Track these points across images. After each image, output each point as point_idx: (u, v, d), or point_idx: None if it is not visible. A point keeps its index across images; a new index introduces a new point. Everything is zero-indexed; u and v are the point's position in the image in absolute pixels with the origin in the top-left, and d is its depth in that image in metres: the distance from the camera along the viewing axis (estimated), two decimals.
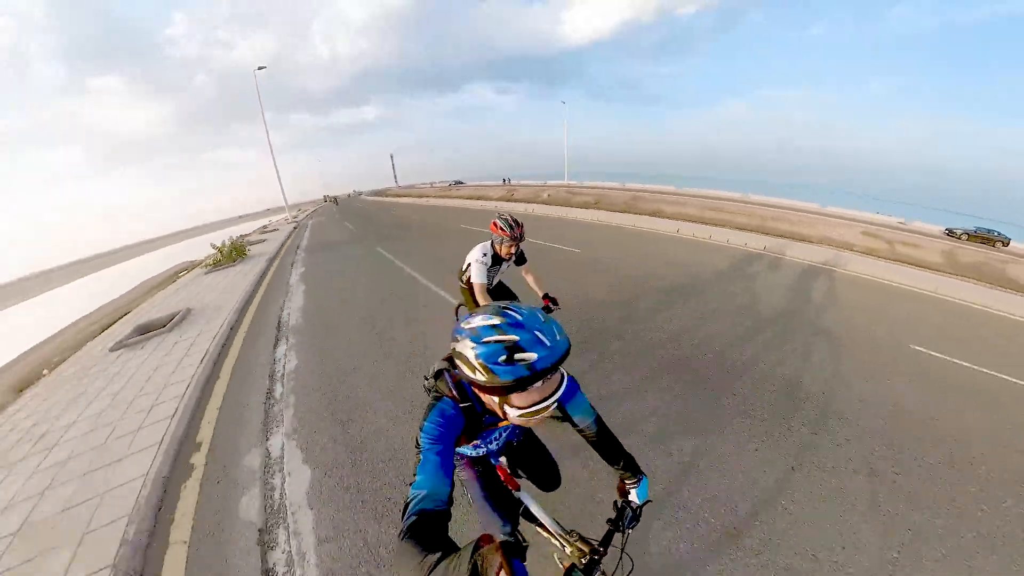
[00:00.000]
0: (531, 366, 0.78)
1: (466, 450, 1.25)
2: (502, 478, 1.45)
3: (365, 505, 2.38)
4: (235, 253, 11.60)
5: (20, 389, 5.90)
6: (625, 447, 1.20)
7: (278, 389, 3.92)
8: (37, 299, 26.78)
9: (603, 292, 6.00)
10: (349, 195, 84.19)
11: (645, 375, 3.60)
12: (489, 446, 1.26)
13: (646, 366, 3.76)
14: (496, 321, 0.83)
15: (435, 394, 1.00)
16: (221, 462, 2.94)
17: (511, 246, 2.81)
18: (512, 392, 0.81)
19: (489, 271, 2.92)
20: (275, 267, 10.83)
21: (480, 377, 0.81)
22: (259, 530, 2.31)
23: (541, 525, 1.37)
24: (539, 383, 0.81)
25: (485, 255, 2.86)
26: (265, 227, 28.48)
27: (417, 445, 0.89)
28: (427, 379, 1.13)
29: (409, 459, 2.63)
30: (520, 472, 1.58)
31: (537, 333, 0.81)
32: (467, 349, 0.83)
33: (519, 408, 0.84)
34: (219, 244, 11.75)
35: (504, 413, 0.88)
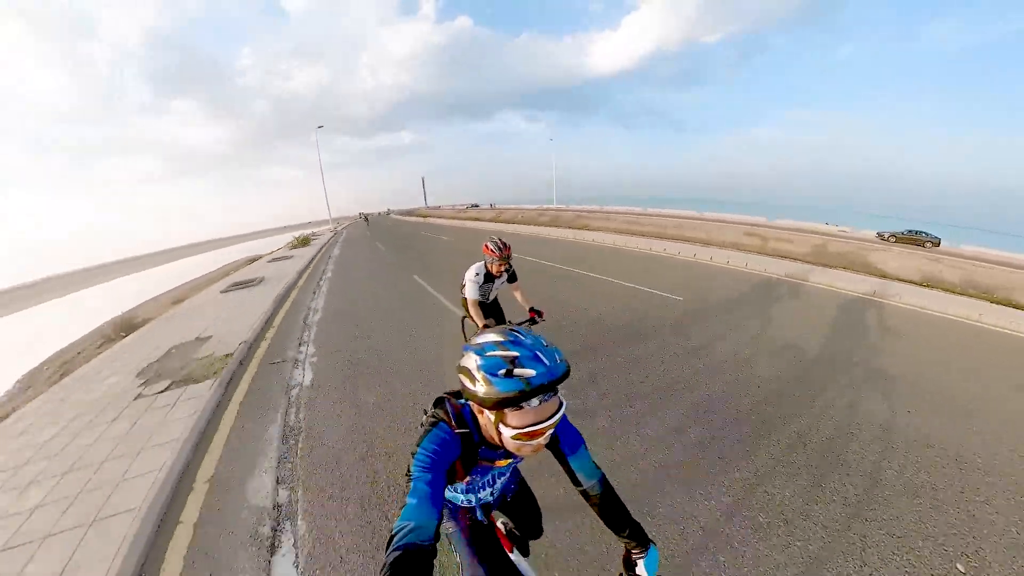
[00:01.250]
0: (528, 381, 0.81)
1: (458, 496, 1.23)
2: (498, 535, 1.41)
3: (346, 262, 11.92)
4: (305, 241, 21.37)
5: (228, 272, 15.22)
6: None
7: (328, 266, 13.74)
8: (167, 265, 38.21)
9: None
10: (380, 214, 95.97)
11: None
12: (482, 492, 1.24)
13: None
14: (500, 339, 0.89)
15: (432, 419, 1.02)
16: (318, 265, 13.07)
17: (500, 265, 3.26)
18: (507, 406, 0.83)
19: (482, 288, 3.38)
20: (327, 247, 20.90)
21: (480, 388, 0.84)
22: (318, 281, 11.93)
23: None
24: (535, 401, 0.83)
25: (478, 274, 3.32)
26: (315, 232, 39.20)
27: (408, 472, 0.89)
28: (425, 413, 1.14)
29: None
30: (513, 530, 1.50)
31: (538, 353, 0.86)
32: (471, 361, 0.87)
33: (514, 428, 0.86)
34: (298, 235, 21.57)
35: (499, 435, 0.90)
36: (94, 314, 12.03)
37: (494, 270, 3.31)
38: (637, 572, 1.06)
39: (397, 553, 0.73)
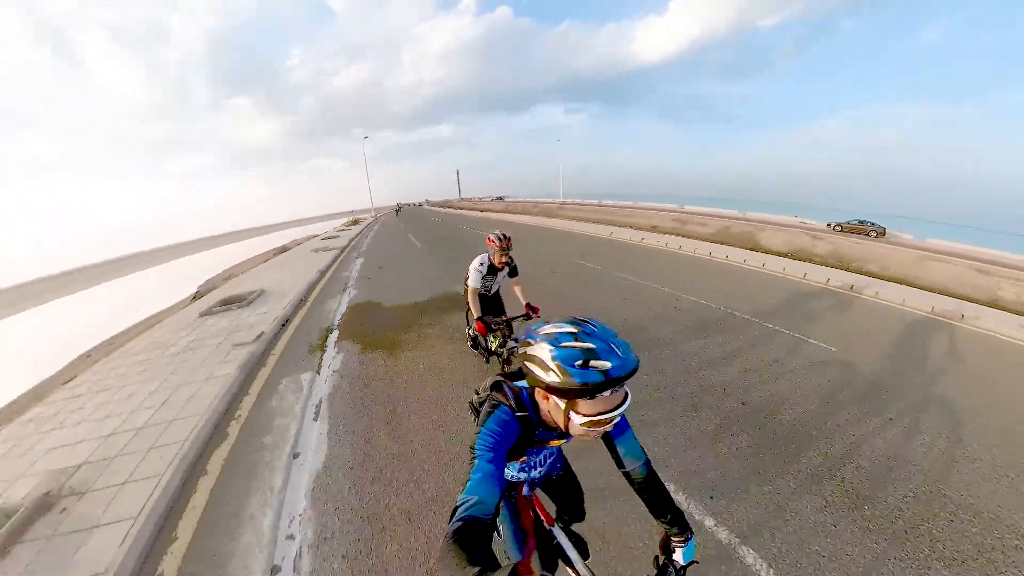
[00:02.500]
0: (606, 372, 0.82)
1: (510, 472, 1.27)
2: (537, 509, 1.49)
3: (379, 232, 23.33)
4: (356, 221, 31.06)
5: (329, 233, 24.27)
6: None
7: (369, 235, 24.89)
8: (249, 240, 49.18)
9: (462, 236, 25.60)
10: (414, 204, 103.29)
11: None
12: (533, 471, 1.31)
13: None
14: (574, 330, 0.90)
15: (492, 402, 1.07)
16: (365, 232, 24.71)
17: (502, 256, 3.40)
18: (582, 396, 0.86)
19: (485, 279, 3.48)
20: (370, 225, 31.77)
21: (554, 378, 0.85)
22: (366, 236, 23.23)
23: (572, 567, 1.35)
24: (607, 392, 0.85)
25: (482, 264, 3.44)
26: (357, 219, 48.97)
27: (472, 449, 0.94)
28: (477, 393, 1.25)
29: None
30: (551, 502, 1.59)
31: (612, 345, 0.87)
32: (544, 351, 0.88)
33: (585, 416, 0.88)
34: (351, 219, 31.16)
35: (567, 421, 0.92)
36: (221, 261, 21.27)
37: (496, 262, 3.44)
38: (674, 558, 1.10)
39: (460, 523, 0.76)
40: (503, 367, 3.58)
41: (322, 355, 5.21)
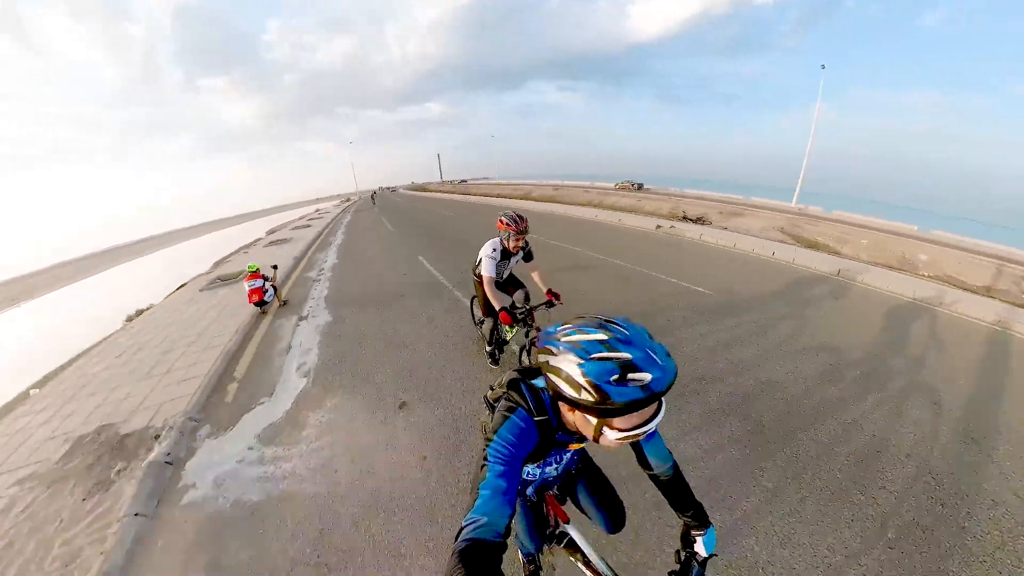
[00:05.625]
0: (647, 387, 0.72)
1: (526, 471, 1.23)
2: (549, 508, 1.45)
3: (360, 207, 45.32)
4: (348, 199, 54.14)
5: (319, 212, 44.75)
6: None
7: (354, 207, 47.11)
8: (260, 220, 67.88)
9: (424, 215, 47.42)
10: (391, 190, 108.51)
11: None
12: (548, 469, 1.25)
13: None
14: (604, 336, 0.78)
15: (509, 404, 0.99)
16: (350, 207, 46.54)
17: (517, 239, 3.14)
18: (619, 415, 0.75)
19: (498, 265, 3.25)
20: (355, 202, 54.02)
21: (588, 397, 0.74)
22: (352, 210, 45.03)
23: (588, 563, 1.30)
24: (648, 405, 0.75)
25: (495, 250, 3.19)
26: (349, 198, 68.07)
27: (485, 457, 0.87)
28: (492, 389, 1.15)
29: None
30: (577, 507, 1.52)
31: (649, 352, 0.76)
32: (570, 365, 0.77)
33: (620, 431, 0.78)
34: (344, 199, 54.77)
35: (599, 435, 0.82)
36: (252, 232, 40.84)
37: (511, 246, 3.23)
38: (695, 549, 1.10)
39: (466, 544, 0.71)
40: (520, 359, 3.43)
41: (351, 212, 30.58)
